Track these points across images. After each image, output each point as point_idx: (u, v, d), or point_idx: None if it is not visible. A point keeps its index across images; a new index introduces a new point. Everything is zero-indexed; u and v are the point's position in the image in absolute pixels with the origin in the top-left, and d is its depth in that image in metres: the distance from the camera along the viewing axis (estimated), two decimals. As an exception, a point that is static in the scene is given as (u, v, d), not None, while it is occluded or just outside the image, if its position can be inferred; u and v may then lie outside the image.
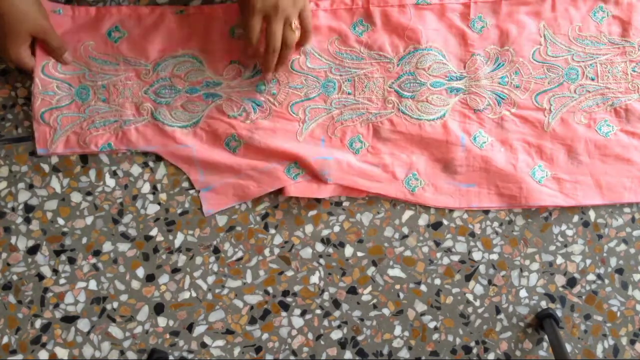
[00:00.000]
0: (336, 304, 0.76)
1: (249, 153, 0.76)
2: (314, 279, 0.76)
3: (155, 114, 0.76)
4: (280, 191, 0.76)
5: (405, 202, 0.77)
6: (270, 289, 0.76)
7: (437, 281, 0.76)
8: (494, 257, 0.77)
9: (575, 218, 0.77)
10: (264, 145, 0.76)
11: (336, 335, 0.76)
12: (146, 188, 0.76)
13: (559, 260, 0.77)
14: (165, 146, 0.76)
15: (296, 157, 0.75)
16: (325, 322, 0.76)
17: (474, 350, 0.76)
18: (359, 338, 0.76)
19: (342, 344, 0.75)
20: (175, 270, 0.75)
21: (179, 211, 0.76)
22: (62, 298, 0.74)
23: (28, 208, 0.75)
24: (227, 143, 0.76)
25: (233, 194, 0.76)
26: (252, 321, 0.75)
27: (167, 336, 0.75)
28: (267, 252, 0.76)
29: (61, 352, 0.74)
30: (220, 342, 0.75)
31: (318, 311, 0.76)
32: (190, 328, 0.75)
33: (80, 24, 0.77)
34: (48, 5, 0.76)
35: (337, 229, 0.76)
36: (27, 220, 0.75)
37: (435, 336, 0.76)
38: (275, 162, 0.75)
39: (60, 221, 0.75)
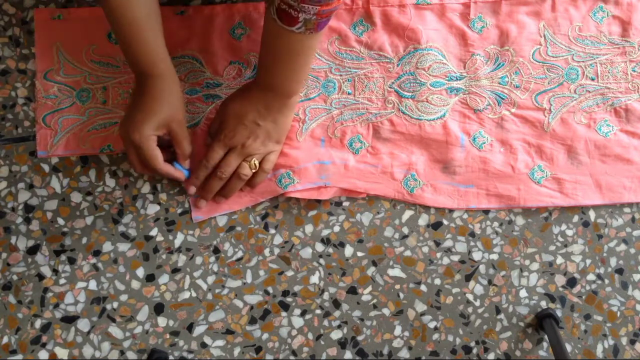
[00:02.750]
0: (336, 304, 0.76)
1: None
2: (314, 279, 0.76)
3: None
4: (280, 191, 0.76)
5: (404, 202, 0.77)
6: (270, 289, 0.76)
7: (437, 281, 0.76)
8: (494, 257, 0.77)
9: (575, 218, 0.77)
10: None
11: (336, 335, 0.76)
12: (146, 188, 0.76)
13: (559, 260, 0.77)
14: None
15: (294, 162, 0.75)
16: (325, 322, 0.76)
17: (474, 350, 0.76)
18: (359, 338, 0.76)
19: (342, 344, 0.75)
20: (175, 270, 0.75)
21: (179, 211, 0.76)
22: (62, 298, 0.74)
23: (28, 208, 0.75)
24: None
25: (224, 202, 0.76)
26: (252, 321, 0.75)
27: (167, 336, 0.75)
28: (267, 252, 0.76)
29: (61, 352, 0.74)
30: (220, 342, 0.75)
31: (318, 311, 0.76)
32: (190, 328, 0.75)
33: (81, 27, 0.77)
34: (48, 12, 0.76)
35: (337, 229, 0.76)
36: (27, 220, 0.75)
37: (435, 336, 0.76)
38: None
39: (60, 221, 0.75)
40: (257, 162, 0.72)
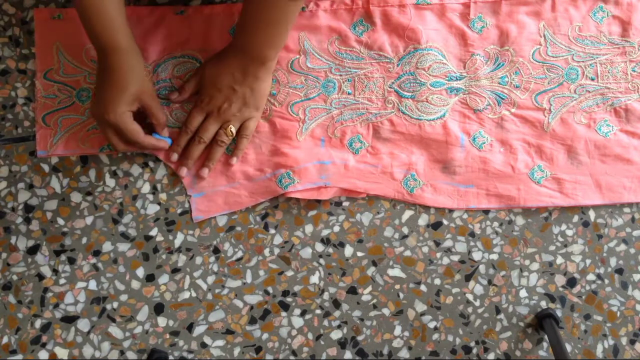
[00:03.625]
0: (336, 304, 0.76)
1: (247, 157, 0.76)
2: (314, 279, 0.76)
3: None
4: (280, 191, 0.76)
5: (404, 202, 0.77)
6: (270, 289, 0.76)
7: (437, 281, 0.76)
8: (494, 257, 0.77)
9: (575, 218, 0.77)
10: (264, 149, 0.76)
11: (336, 335, 0.76)
12: (146, 188, 0.76)
13: (559, 260, 0.77)
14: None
15: (294, 162, 0.75)
16: (325, 322, 0.76)
17: (474, 350, 0.76)
18: (359, 338, 0.76)
19: (342, 344, 0.75)
20: (175, 270, 0.75)
21: (179, 211, 0.76)
22: (62, 298, 0.74)
23: (28, 208, 0.75)
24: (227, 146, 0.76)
25: (224, 202, 0.76)
26: (252, 321, 0.75)
27: (167, 336, 0.75)
28: (267, 252, 0.76)
29: (61, 352, 0.74)
30: (220, 342, 0.75)
31: (318, 311, 0.76)
32: (190, 328, 0.75)
33: (81, 27, 0.76)
34: (48, 12, 0.76)
35: (337, 229, 0.76)
36: (27, 220, 0.75)
37: (435, 336, 0.76)
38: (269, 172, 0.75)
39: (60, 221, 0.75)
40: (233, 129, 0.73)
